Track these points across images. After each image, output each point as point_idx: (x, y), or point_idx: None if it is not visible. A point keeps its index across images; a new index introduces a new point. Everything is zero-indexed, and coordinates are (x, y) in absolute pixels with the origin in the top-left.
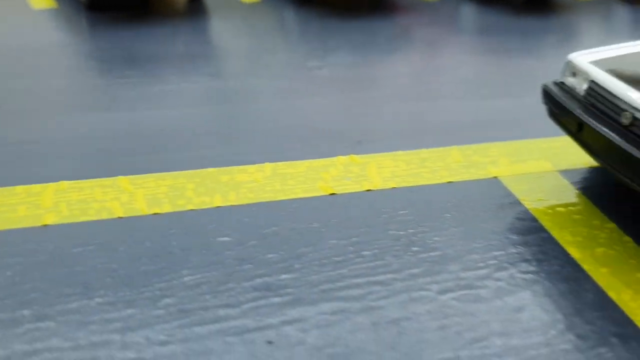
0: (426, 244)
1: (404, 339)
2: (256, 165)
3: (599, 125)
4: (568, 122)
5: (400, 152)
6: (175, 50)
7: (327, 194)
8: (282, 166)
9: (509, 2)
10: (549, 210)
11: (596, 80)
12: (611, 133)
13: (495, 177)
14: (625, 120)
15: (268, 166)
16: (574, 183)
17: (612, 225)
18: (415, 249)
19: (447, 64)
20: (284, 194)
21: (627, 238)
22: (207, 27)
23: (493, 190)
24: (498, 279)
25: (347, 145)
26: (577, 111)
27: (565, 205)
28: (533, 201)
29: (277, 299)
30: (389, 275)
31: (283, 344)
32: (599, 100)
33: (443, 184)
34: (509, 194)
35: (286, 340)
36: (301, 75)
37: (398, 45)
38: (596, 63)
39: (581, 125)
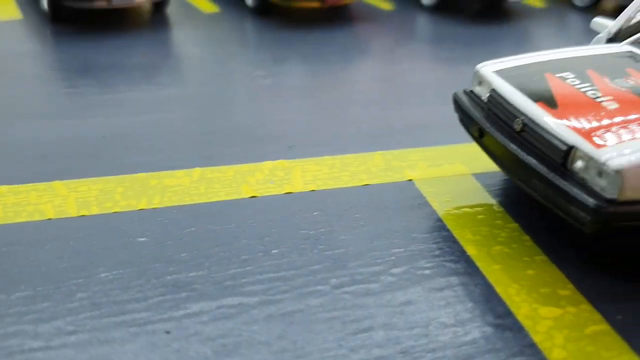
0: (332, 242)
1: (294, 329)
2: (185, 170)
3: (496, 132)
4: (473, 128)
5: (326, 157)
6: (130, 60)
7: (249, 196)
8: (210, 171)
9: (463, 11)
10: (455, 211)
11: (495, 89)
12: (505, 139)
13: (410, 180)
14: (517, 126)
15: (197, 171)
16: (485, 185)
17: (514, 225)
18: (321, 247)
19: (390, 72)
20: (207, 197)
21: (526, 237)
22: (166, 37)
23: (406, 192)
24: (392, 275)
25: (278, 150)
26: (479, 118)
27: (472, 206)
28: (441, 202)
29: (182, 295)
30: (291, 272)
31: (181, 334)
32: (497, 108)
33: (360, 186)
34: (420, 196)
35: (184, 331)
36: (246, 84)
37: (346, 55)
38: (498, 72)
39: (482, 131)
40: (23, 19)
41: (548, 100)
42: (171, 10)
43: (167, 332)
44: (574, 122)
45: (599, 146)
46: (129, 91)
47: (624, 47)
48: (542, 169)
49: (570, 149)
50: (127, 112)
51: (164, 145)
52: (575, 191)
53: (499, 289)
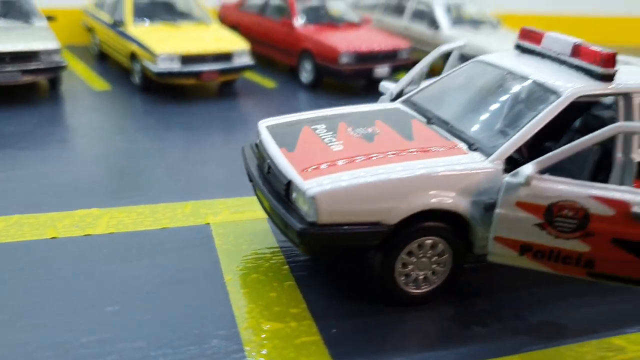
0: (95, 273)
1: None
2: (4, 217)
3: (255, 175)
4: (248, 175)
5: (139, 206)
6: (5, 129)
7: (50, 237)
8: (27, 217)
9: (348, 87)
10: (233, 247)
11: (261, 139)
12: (259, 180)
13: (207, 224)
14: (265, 168)
15: (14, 217)
16: (274, 228)
17: (280, 257)
18: (79, 276)
19: (238, 138)
20: (12, 238)
21: (285, 267)
22: (51, 111)
23: (198, 233)
24: (145, 299)
25: (99, 201)
26: (248, 165)
27: (251, 244)
28: (225, 241)
29: None
30: (44, 290)
31: None
32: (259, 155)
33: (158, 229)
34: (209, 236)
35: None
36: (101, 147)
37: (206, 124)
38: (268, 127)
39: (250, 176)
40: None
41: (290, 146)
42: (66, 87)
43: None
44: (298, 162)
45: (305, 179)
46: None
47: (395, 104)
48: (273, 201)
49: (289, 183)
50: None
51: None
52: (289, 218)
53: (235, 309)
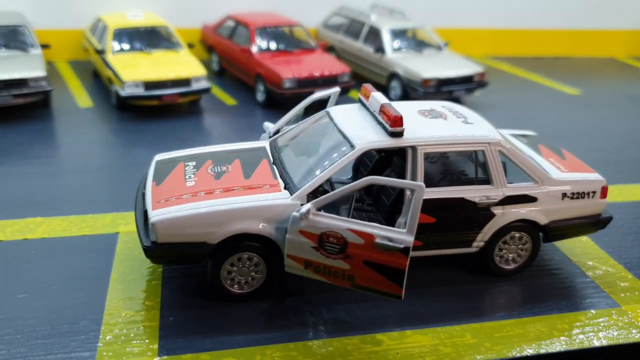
0: (22, 269)
1: None
2: None
3: (136, 200)
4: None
5: (73, 216)
6: None
7: None
8: None
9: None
10: (127, 253)
11: (147, 171)
12: (136, 205)
13: (117, 232)
14: (142, 195)
15: None
16: None
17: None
18: (16, 269)
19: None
20: None
21: (160, 270)
22: (37, 128)
23: (107, 240)
24: (52, 285)
25: (48, 210)
26: (138, 192)
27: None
28: (125, 247)
29: None
30: None
31: None
32: (144, 184)
33: (78, 235)
34: (114, 243)
35: None
36: (67, 163)
37: (159, 144)
38: (158, 161)
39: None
40: None
41: (159, 180)
42: (56, 103)
43: None
44: (156, 195)
45: (153, 209)
46: None
47: (263, 143)
48: (137, 222)
49: (146, 210)
50: None
51: None
52: (142, 236)
53: (108, 300)
